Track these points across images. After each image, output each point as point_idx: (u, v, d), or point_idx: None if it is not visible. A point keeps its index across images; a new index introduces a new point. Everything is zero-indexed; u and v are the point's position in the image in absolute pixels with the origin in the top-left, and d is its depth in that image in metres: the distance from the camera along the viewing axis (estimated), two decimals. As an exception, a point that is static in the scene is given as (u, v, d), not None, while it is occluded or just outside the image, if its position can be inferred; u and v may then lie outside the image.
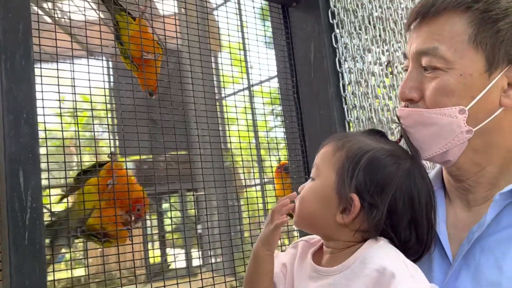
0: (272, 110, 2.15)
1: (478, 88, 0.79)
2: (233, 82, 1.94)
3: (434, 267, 0.84)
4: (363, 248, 0.81)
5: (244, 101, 2.00)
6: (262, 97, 2.40)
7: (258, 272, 0.88)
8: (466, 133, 0.81)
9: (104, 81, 1.57)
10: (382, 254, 0.78)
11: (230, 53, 2.18)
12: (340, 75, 1.89)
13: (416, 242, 0.82)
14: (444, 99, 0.81)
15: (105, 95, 1.64)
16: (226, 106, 2.04)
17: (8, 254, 1.23)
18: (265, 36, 2.12)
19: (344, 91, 1.89)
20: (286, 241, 2.33)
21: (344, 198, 0.81)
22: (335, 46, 1.91)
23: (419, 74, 0.84)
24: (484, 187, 0.84)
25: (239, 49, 2.03)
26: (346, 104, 1.88)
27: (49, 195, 1.46)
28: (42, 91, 1.39)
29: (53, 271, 1.39)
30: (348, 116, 1.87)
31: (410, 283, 0.73)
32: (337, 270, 0.81)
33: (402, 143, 0.90)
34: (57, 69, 1.46)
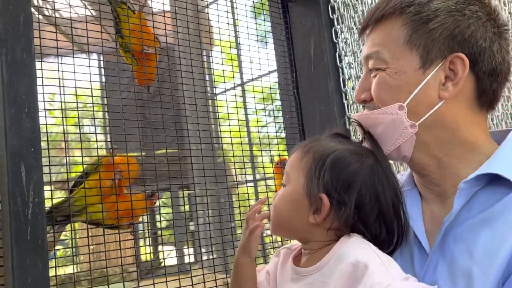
0: (265, 107, 2.15)
1: (414, 83, 0.85)
2: (224, 81, 1.92)
3: (415, 263, 0.87)
4: (337, 245, 0.84)
5: (236, 100, 1.99)
6: (260, 92, 2.39)
7: (240, 279, 0.93)
8: (411, 128, 0.86)
9: (90, 79, 1.54)
10: (355, 249, 0.82)
11: (222, 50, 2.17)
12: (340, 70, 1.89)
13: (387, 235, 0.86)
14: (384, 94, 0.88)
15: (91, 94, 1.60)
16: (217, 105, 2.02)
17: (10, 250, 1.21)
18: (264, 31, 2.11)
19: (344, 86, 1.89)
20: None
21: (314, 199, 0.85)
22: (335, 41, 1.91)
23: (368, 77, 0.92)
24: (450, 178, 0.87)
25: (230, 42, 2.01)
26: (346, 99, 1.88)
27: (50, 190, 1.43)
28: (42, 85, 1.37)
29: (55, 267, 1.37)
30: (348, 111, 1.87)
31: (382, 272, 0.76)
32: (315, 269, 0.85)
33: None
34: (58, 62, 1.43)
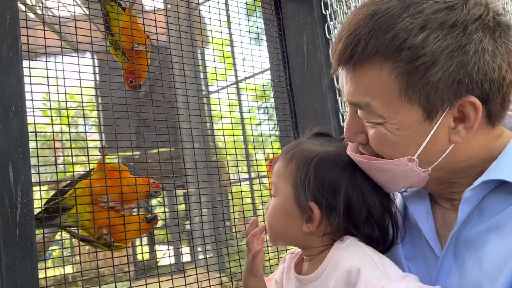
0: (260, 105, 2.13)
1: (422, 135, 0.76)
2: (216, 79, 1.90)
3: (429, 266, 0.84)
4: (331, 252, 0.85)
5: (228, 99, 1.97)
6: (253, 90, 2.38)
7: None
8: (424, 173, 0.80)
9: (80, 78, 1.52)
10: (348, 254, 0.82)
11: (214, 48, 2.15)
12: (333, 66, 1.87)
13: (380, 234, 0.86)
14: (387, 149, 0.79)
15: (81, 93, 1.58)
16: (210, 104, 2.00)
17: (-2, 252, 1.19)
18: (257, 28, 2.09)
19: (337, 83, 1.87)
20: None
21: (304, 208, 0.85)
22: (328, 37, 1.89)
23: (359, 118, 0.81)
24: (467, 185, 0.82)
25: (222, 40, 1.99)
26: (340, 95, 1.86)
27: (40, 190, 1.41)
28: (30, 83, 1.35)
29: (45, 268, 1.35)
30: (342, 108, 1.86)
31: (376, 274, 0.76)
32: (314, 276, 0.85)
33: None
34: (46, 61, 1.41)
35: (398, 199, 0.94)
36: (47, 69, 1.43)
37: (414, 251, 0.88)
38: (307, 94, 1.91)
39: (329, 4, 1.90)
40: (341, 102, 1.85)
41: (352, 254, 0.81)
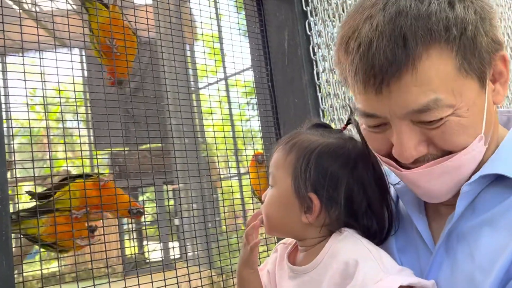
0: (249, 101, 2.13)
1: (482, 108, 0.75)
2: (206, 76, 1.91)
3: (421, 259, 0.84)
4: (329, 243, 0.84)
5: (219, 95, 1.98)
6: (241, 86, 2.38)
7: None
8: (484, 149, 0.78)
9: (69, 74, 1.52)
10: (346, 246, 0.81)
11: (204, 44, 2.15)
12: (314, 62, 1.89)
13: (377, 226, 0.86)
14: (462, 137, 0.74)
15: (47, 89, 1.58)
16: (198, 100, 2.01)
17: (-27, 247, 1.19)
18: (240, 25, 2.09)
19: (318, 79, 1.88)
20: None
21: (304, 199, 0.84)
22: (309, 33, 1.90)
23: (415, 128, 0.75)
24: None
25: (211, 36, 2.00)
26: (320, 92, 1.88)
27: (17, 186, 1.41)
28: (5, 79, 1.35)
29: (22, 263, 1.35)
30: (322, 104, 1.87)
31: (373, 267, 0.76)
32: (310, 267, 0.85)
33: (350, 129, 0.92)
34: (23, 56, 1.41)
35: (391, 191, 0.94)
36: (41, 65, 1.43)
37: (406, 243, 0.88)
38: (288, 90, 1.92)
39: (309, 1, 1.91)
40: (321, 98, 1.87)
41: (350, 246, 0.81)
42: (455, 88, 0.71)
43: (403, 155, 0.76)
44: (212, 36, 1.98)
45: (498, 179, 0.78)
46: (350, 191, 0.84)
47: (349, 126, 0.94)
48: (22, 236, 1.48)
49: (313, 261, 0.84)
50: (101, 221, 1.60)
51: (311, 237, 0.87)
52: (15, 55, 1.37)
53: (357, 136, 0.90)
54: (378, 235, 0.86)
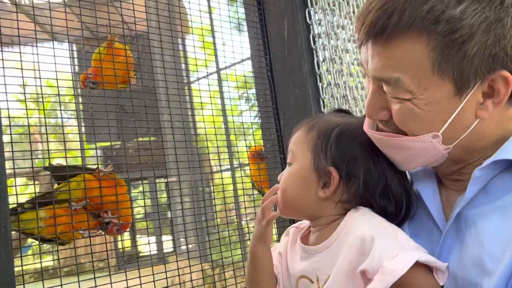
0: (243, 94, 2.11)
1: (449, 111, 0.74)
2: (197, 70, 1.88)
3: (433, 242, 0.84)
4: (345, 220, 0.84)
5: (209, 88, 1.95)
6: (235, 79, 2.36)
7: (259, 268, 0.92)
8: (444, 150, 0.78)
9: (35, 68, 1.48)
10: (362, 222, 0.82)
11: (194, 37, 2.12)
12: (314, 52, 1.86)
13: (395, 208, 0.86)
14: (412, 125, 0.77)
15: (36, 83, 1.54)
16: (192, 94, 1.98)
17: (-29, 240, 1.16)
18: (238, 19, 2.06)
19: (318, 69, 1.86)
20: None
21: (323, 173, 0.86)
22: (309, 22, 1.87)
23: (382, 94, 0.79)
24: (476, 166, 0.80)
25: (202, 30, 1.96)
26: (320, 81, 1.86)
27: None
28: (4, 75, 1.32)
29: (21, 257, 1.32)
30: (322, 94, 1.85)
31: (389, 243, 0.76)
32: (324, 246, 0.84)
33: None
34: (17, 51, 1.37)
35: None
36: (38, 61, 1.39)
37: (419, 228, 0.87)
38: (288, 80, 1.90)
39: (309, -11, 1.89)
40: (321, 88, 1.85)
41: (365, 222, 0.82)
42: (422, 80, 0.72)
43: (365, 110, 0.82)
44: (207, 27, 1.96)
45: (510, 167, 0.77)
46: (369, 169, 0.84)
47: None
48: (21, 232, 1.45)
49: (328, 239, 0.84)
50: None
51: (326, 215, 0.87)
52: (6, 51, 1.33)
53: None
54: (394, 216, 0.86)
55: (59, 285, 1.32)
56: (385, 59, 0.74)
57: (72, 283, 1.35)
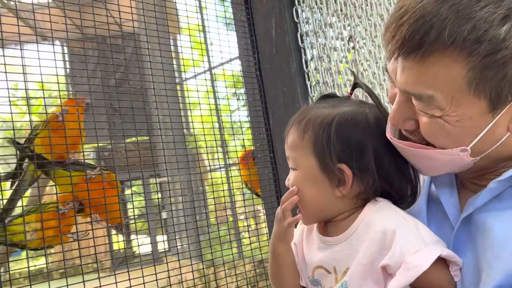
0: (234, 92, 2.11)
1: (481, 126, 0.72)
2: (184, 70, 1.87)
3: (444, 240, 0.82)
4: (363, 213, 0.82)
5: (206, 85, 1.94)
6: (227, 77, 2.35)
7: (282, 267, 0.91)
8: (471, 162, 0.77)
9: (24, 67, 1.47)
10: (382, 215, 0.80)
11: (187, 36, 2.11)
12: (302, 50, 1.86)
13: (411, 189, 0.85)
14: (441, 139, 0.75)
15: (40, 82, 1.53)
16: (187, 92, 1.98)
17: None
18: (226, 18, 2.06)
19: (306, 67, 1.86)
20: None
21: (333, 173, 0.82)
22: (297, 21, 1.87)
23: (410, 105, 0.76)
24: (497, 174, 0.79)
25: (199, 30, 1.96)
26: (309, 80, 1.85)
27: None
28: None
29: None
30: (311, 93, 1.85)
31: (411, 238, 0.75)
32: (343, 237, 0.83)
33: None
34: None
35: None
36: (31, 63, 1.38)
37: (435, 225, 0.86)
38: (276, 79, 1.90)
39: (296, -13, 1.88)
40: (310, 86, 1.84)
41: (386, 216, 0.80)
42: (456, 98, 0.69)
43: (391, 118, 0.80)
44: (198, 26, 1.95)
45: None
46: (378, 155, 0.82)
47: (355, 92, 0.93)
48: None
49: (347, 231, 0.82)
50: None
51: (346, 210, 0.85)
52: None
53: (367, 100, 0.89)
54: (412, 195, 0.85)
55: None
56: (418, 75, 0.71)
57: (62, 286, 1.35)
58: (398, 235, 0.75)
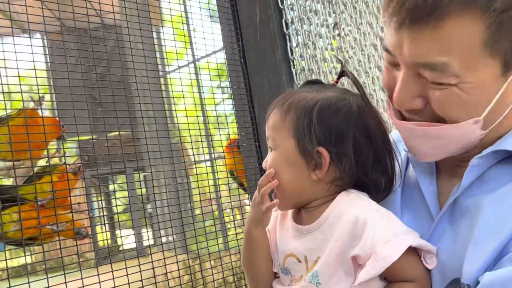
0: (219, 84, 2.08)
1: (493, 92, 0.71)
2: (167, 62, 1.83)
3: (423, 228, 0.81)
4: (335, 202, 0.82)
5: (190, 78, 1.91)
6: (210, 69, 2.32)
7: (257, 251, 0.90)
8: (480, 136, 0.75)
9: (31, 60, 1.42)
10: (354, 205, 0.80)
11: (170, 27, 2.07)
12: (287, 37, 1.83)
13: (387, 180, 0.84)
14: (455, 111, 0.72)
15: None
16: (166, 84, 1.94)
17: None
18: (208, 3, 2.02)
19: (292, 54, 1.84)
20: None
21: (310, 155, 0.82)
22: (281, 7, 1.84)
23: (417, 81, 0.74)
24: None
25: (182, 22, 1.92)
26: (294, 67, 1.83)
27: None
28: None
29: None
30: (296, 80, 1.82)
31: (382, 228, 0.75)
32: (315, 226, 0.82)
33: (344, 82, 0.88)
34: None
35: (402, 154, 0.91)
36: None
37: (411, 213, 0.86)
38: (261, 66, 1.87)
39: (281, -27, 1.85)
40: (295, 73, 1.82)
41: (358, 205, 0.79)
42: (471, 62, 0.68)
43: (395, 99, 0.76)
44: (181, 17, 1.91)
45: (509, 157, 0.75)
46: (357, 143, 0.81)
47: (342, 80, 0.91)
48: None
49: (319, 219, 0.82)
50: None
51: (320, 197, 0.84)
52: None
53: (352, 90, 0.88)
54: (387, 188, 0.84)
55: (26, 283, 1.28)
56: (431, 42, 0.68)
57: (39, 279, 1.31)
58: (369, 225, 0.75)
